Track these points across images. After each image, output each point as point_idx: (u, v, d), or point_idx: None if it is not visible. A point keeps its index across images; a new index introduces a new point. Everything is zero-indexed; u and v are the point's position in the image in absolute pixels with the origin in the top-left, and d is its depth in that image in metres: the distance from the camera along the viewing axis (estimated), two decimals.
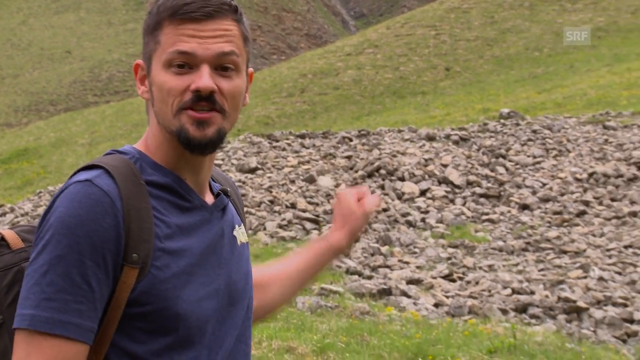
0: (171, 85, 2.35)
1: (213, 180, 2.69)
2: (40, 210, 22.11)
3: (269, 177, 21.47)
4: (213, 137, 2.36)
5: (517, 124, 25.70)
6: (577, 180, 20.84)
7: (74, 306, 2.20)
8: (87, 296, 2.22)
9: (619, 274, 15.60)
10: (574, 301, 13.96)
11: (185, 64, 2.35)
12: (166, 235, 2.36)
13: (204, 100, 2.33)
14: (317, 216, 18.75)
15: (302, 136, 26.02)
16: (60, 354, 2.21)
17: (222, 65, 2.38)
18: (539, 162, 22.21)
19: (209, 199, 2.57)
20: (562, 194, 20.18)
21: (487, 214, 19.46)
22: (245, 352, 2.56)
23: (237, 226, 2.64)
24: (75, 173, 2.38)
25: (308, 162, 22.61)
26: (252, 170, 22.18)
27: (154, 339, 2.34)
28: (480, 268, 16.22)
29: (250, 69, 2.57)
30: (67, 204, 2.27)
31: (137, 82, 2.53)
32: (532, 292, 14.52)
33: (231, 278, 2.50)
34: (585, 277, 15.33)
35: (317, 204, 19.57)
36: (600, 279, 15.25)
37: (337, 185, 20.45)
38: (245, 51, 2.46)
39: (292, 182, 20.97)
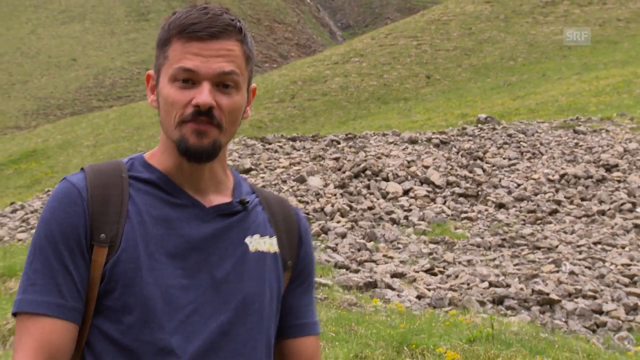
0: (175, 99, 2.40)
1: (259, 198, 2.70)
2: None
3: (262, 177, 21.44)
4: (208, 147, 2.41)
5: (494, 129, 25.73)
6: (550, 181, 20.86)
7: (54, 288, 2.33)
8: (66, 278, 2.35)
9: (589, 268, 15.60)
10: (547, 294, 13.96)
11: (189, 79, 2.39)
12: (139, 221, 2.43)
13: (203, 115, 2.38)
14: (308, 214, 18.74)
15: (293, 139, 26.04)
16: (45, 332, 2.32)
17: (222, 83, 2.41)
18: (514, 164, 22.24)
19: (217, 201, 2.55)
20: (536, 194, 20.20)
21: (465, 212, 19.46)
22: (241, 353, 2.47)
23: (257, 235, 2.59)
24: (64, 178, 2.52)
25: (299, 163, 22.60)
26: (247, 171, 22.18)
27: (120, 318, 2.38)
28: (460, 263, 16.21)
29: (253, 85, 2.62)
30: (47, 201, 2.46)
31: (148, 91, 2.59)
32: (508, 286, 14.51)
33: (227, 277, 2.47)
34: (557, 272, 15.34)
35: (307, 202, 19.54)
36: (571, 273, 15.26)
37: (325, 185, 20.45)
38: (247, 70, 2.49)
39: (284, 182, 20.95)
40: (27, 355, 2.32)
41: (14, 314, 2.40)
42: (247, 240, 2.56)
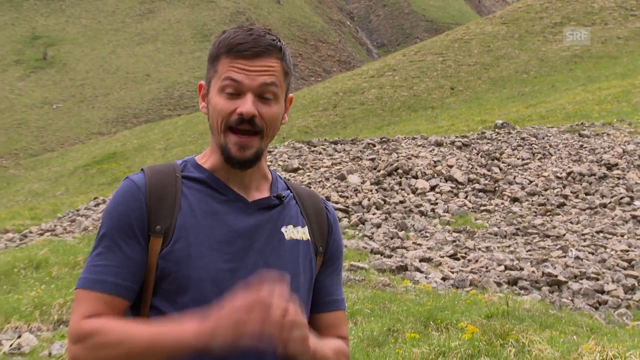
0: (222, 107, 2.47)
1: (293, 193, 2.77)
2: None
3: (308, 176, 21.44)
4: (251, 158, 2.49)
5: (509, 133, 25.57)
6: (558, 178, 20.72)
7: (112, 269, 2.41)
8: (124, 261, 2.42)
9: (592, 254, 15.50)
10: (555, 276, 13.88)
11: (235, 91, 2.45)
12: (190, 215, 2.50)
13: (246, 122, 2.44)
14: (347, 207, 18.73)
15: (335, 142, 26.00)
16: (100, 305, 2.39)
17: (263, 95, 2.47)
18: (526, 164, 22.09)
19: (258, 196, 2.62)
20: (546, 189, 20.07)
21: (484, 205, 19.36)
22: None
23: (291, 225, 2.65)
24: (128, 176, 2.61)
25: (339, 163, 22.56)
26: (295, 170, 22.20)
27: (175, 298, 2.45)
28: (479, 249, 16.14)
29: (291, 95, 2.67)
30: (112, 196, 2.56)
31: (200, 99, 2.66)
32: (521, 269, 14.43)
33: (267, 262, 2.51)
34: (564, 257, 15.24)
35: (347, 197, 19.51)
36: (577, 258, 15.16)
37: (363, 182, 20.43)
38: (285, 83, 2.54)
39: (327, 179, 20.93)
40: (73, 319, 2.40)
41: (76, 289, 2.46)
42: (283, 229, 2.62)
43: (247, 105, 2.43)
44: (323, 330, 2.71)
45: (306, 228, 2.70)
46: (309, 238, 2.69)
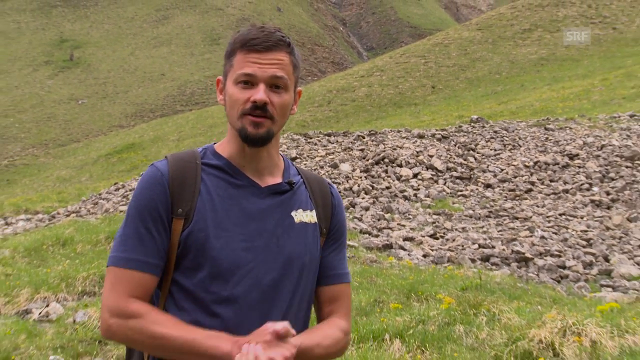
0: (237, 97, 2.49)
1: (303, 178, 2.78)
2: None
3: (305, 164, 21.43)
4: (263, 135, 2.49)
5: (483, 127, 25.55)
6: (526, 166, 20.74)
7: (140, 248, 2.44)
8: (150, 241, 2.44)
9: (555, 234, 15.54)
10: (523, 253, 13.90)
11: (248, 82, 2.48)
12: (209, 199, 2.51)
13: (259, 109, 2.47)
14: (340, 192, 18.74)
15: (329, 135, 25.98)
16: (132, 281, 2.41)
17: (274, 84, 2.50)
18: (498, 154, 22.09)
19: (271, 182, 2.63)
20: (515, 177, 20.08)
21: (461, 191, 19.36)
22: (287, 303, 2.55)
23: (301, 209, 2.67)
24: (152, 163, 2.63)
25: (332, 153, 22.55)
26: (293, 159, 22.18)
27: (194, 274, 2.47)
28: (456, 229, 16.17)
29: (299, 88, 2.71)
30: (138, 182, 2.57)
31: (217, 92, 2.69)
32: (493, 247, 14.47)
33: (278, 243, 2.53)
34: (531, 236, 15.28)
35: (339, 183, 19.52)
36: (542, 237, 15.20)
37: (353, 170, 20.44)
38: (294, 75, 2.58)
39: (321, 167, 20.92)
40: (115, 295, 2.41)
41: (107, 266, 2.48)
42: (293, 213, 2.63)
43: (259, 93, 2.46)
44: (327, 302, 2.74)
45: (314, 212, 2.71)
46: (316, 221, 2.70)
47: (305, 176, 2.78)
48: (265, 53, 2.49)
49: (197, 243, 2.46)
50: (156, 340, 2.35)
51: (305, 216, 2.66)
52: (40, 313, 10.53)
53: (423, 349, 6.83)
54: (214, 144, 2.70)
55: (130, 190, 23.09)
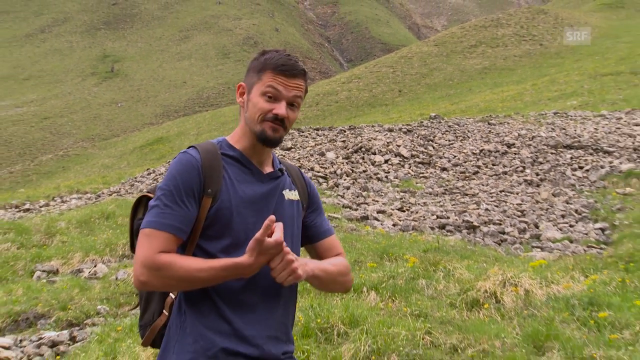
0: (262, 106, 2.52)
1: (284, 167, 2.79)
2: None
3: (298, 152, 21.37)
4: (278, 139, 2.56)
5: (439, 122, 25.53)
6: (473, 154, 20.75)
7: (177, 218, 2.42)
8: (183, 210, 2.43)
9: (496, 206, 15.56)
10: (471, 222, 13.92)
11: (273, 97, 2.52)
12: (231, 183, 2.53)
13: (279, 120, 2.53)
14: (326, 175, 18.69)
15: (317, 129, 25.92)
16: (162, 241, 2.39)
17: (292, 103, 2.56)
18: (452, 144, 22.09)
19: (269, 170, 2.67)
20: (465, 162, 20.09)
21: (422, 173, 19.35)
22: None
23: (287, 190, 2.71)
24: (183, 150, 2.60)
25: (320, 144, 22.48)
26: (288, 149, 22.14)
27: (217, 241, 2.49)
28: (419, 204, 16.16)
29: None
30: (173, 164, 2.54)
31: (238, 95, 2.67)
32: (448, 217, 14.48)
33: (275, 215, 2.49)
34: (477, 209, 15.30)
35: (325, 168, 19.47)
36: (486, 209, 15.21)
37: (337, 157, 20.41)
38: (304, 97, 2.62)
39: (311, 155, 20.87)
40: (148, 250, 2.38)
41: (143, 229, 2.44)
42: (284, 192, 2.67)
43: (282, 109, 2.52)
44: (324, 252, 2.79)
45: (296, 191, 2.75)
46: (298, 198, 2.74)
47: (285, 165, 2.81)
48: (290, 78, 2.53)
49: (224, 218, 2.48)
50: (184, 280, 2.36)
51: (291, 195, 2.71)
52: (89, 272, 10.53)
53: (393, 298, 6.84)
54: (226, 137, 2.69)
55: (160, 174, 23.04)
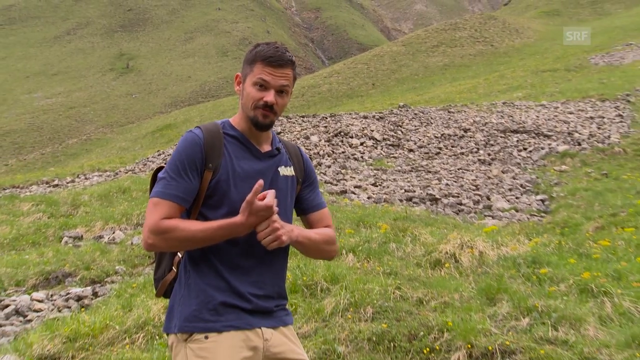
0: (254, 95, 2.47)
1: (283, 145, 2.73)
2: None
3: (286, 136, 21.21)
4: (269, 124, 2.50)
5: (407, 110, 25.42)
6: (436, 137, 20.72)
7: (178, 187, 2.38)
8: (186, 182, 2.39)
9: (455, 182, 15.58)
10: (434, 195, 13.94)
11: (262, 86, 2.46)
12: (230, 159, 2.47)
13: (268, 107, 2.47)
14: (310, 156, 18.63)
15: (302, 116, 25.72)
16: (167, 208, 2.35)
17: (280, 90, 2.49)
18: (417, 129, 22.04)
19: (267, 149, 2.60)
20: (429, 144, 20.06)
21: (392, 154, 19.31)
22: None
23: (283, 166, 2.65)
24: (189, 130, 2.54)
25: (306, 129, 22.32)
26: (278, 133, 22.01)
27: (217, 210, 2.44)
28: (389, 180, 16.14)
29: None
30: (180, 141, 2.48)
31: (235, 84, 2.60)
32: (414, 191, 14.48)
33: (270, 189, 2.46)
34: (439, 184, 15.31)
35: (310, 149, 19.38)
36: (447, 184, 15.23)
37: (319, 140, 20.30)
38: (293, 83, 2.56)
39: (298, 139, 20.76)
40: (155, 216, 2.35)
41: (151, 198, 2.42)
42: (280, 169, 2.61)
43: (270, 97, 2.46)
44: (315, 223, 2.73)
45: (291, 167, 2.69)
46: (293, 173, 2.68)
47: (284, 144, 2.75)
48: (278, 68, 2.46)
49: (222, 189, 2.43)
50: (186, 240, 2.33)
51: (286, 170, 2.64)
52: (108, 238, 10.49)
53: (368, 259, 6.82)
54: (228, 119, 2.62)
55: (168, 155, 22.89)
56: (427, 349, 4.65)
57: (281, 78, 2.47)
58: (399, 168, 17.54)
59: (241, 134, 2.54)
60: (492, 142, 19.66)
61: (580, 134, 19.21)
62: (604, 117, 21.05)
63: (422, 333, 4.82)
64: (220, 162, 2.44)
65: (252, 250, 2.46)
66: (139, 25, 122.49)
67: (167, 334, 2.51)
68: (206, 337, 2.37)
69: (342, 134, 21.06)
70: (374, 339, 4.81)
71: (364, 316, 5.19)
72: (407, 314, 5.19)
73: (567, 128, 20.11)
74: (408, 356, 4.63)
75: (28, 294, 7.69)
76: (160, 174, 2.46)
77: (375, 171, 17.20)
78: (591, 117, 21.30)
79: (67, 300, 7.39)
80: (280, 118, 26.75)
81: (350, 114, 25.02)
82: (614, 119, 20.61)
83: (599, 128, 19.71)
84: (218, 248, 2.41)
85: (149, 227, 2.34)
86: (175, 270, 2.53)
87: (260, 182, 2.30)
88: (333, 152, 19.17)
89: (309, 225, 2.74)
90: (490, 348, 4.49)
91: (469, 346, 4.56)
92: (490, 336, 4.66)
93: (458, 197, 14.03)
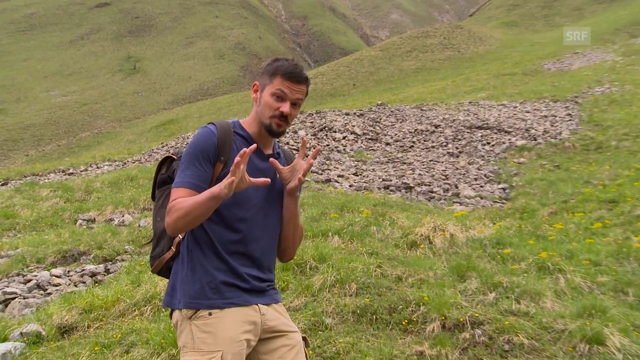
0: (271, 104, 2.45)
1: (282, 151, 2.70)
2: (178, 146, 22.08)
3: None
4: (281, 132, 2.47)
5: (384, 108, 25.40)
6: (410, 132, 20.71)
7: (196, 177, 2.36)
8: (199, 170, 2.37)
9: (427, 172, 15.59)
10: (408, 184, 13.93)
11: (280, 97, 2.44)
12: (236, 155, 2.26)
13: (283, 117, 2.45)
14: (298, 148, 18.49)
15: None
16: (180, 193, 2.32)
17: (295, 103, 2.48)
18: (393, 124, 22.02)
19: (269, 152, 2.58)
20: (404, 138, 20.05)
21: (371, 147, 19.29)
22: (271, 217, 2.56)
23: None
24: (205, 125, 2.49)
25: (294, 124, 22.26)
26: None
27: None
28: (369, 170, 16.11)
29: None
30: (197, 134, 2.45)
31: (252, 91, 2.55)
32: (391, 180, 14.47)
33: (270, 187, 2.53)
34: (413, 174, 15.30)
35: (298, 142, 19.29)
36: (420, 174, 15.22)
37: (307, 134, 20.21)
38: (305, 97, 2.52)
39: (287, 133, 20.67)
40: (171, 202, 2.32)
41: (172, 189, 2.41)
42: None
43: (286, 108, 2.44)
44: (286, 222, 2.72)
45: None
46: None
47: (283, 151, 2.73)
48: (295, 84, 2.45)
49: None
50: (185, 215, 2.25)
51: None
52: (118, 221, 10.40)
53: (352, 240, 6.79)
54: (239, 120, 2.60)
55: (171, 147, 22.71)
56: (406, 321, 4.64)
57: (297, 92, 2.47)
58: (377, 159, 17.51)
59: (249, 135, 2.52)
60: (459, 137, 19.69)
61: (536, 130, 19.30)
62: (556, 116, 21.16)
63: (401, 307, 4.81)
64: (230, 156, 2.42)
65: (249, 242, 2.46)
66: (145, 31, 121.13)
67: (169, 309, 2.49)
68: (210, 314, 2.36)
69: (326, 128, 20.98)
70: (358, 312, 4.79)
71: (349, 291, 5.16)
72: (387, 290, 5.17)
73: (525, 125, 20.19)
74: (388, 327, 4.62)
75: (47, 270, 7.72)
76: (178, 169, 2.44)
77: (356, 162, 17.17)
78: (545, 116, 21.40)
79: (82, 276, 7.39)
80: None
81: (333, 111, 24.95)
82: (565, 118, 20.72)
83: (552, 125, 19.82)
84: (220, 234, 2.41)
85: (167, 209, 2.33)
86: (174, 249, 2.50)
87: (247, 149, 2.18)
88: (318, 145, 19.08)
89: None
90: (461, 320, 4.49)
91: (443, 318, 4.55)
92: (462, 309, 4.66)
93: (430, 185, 14.04)
